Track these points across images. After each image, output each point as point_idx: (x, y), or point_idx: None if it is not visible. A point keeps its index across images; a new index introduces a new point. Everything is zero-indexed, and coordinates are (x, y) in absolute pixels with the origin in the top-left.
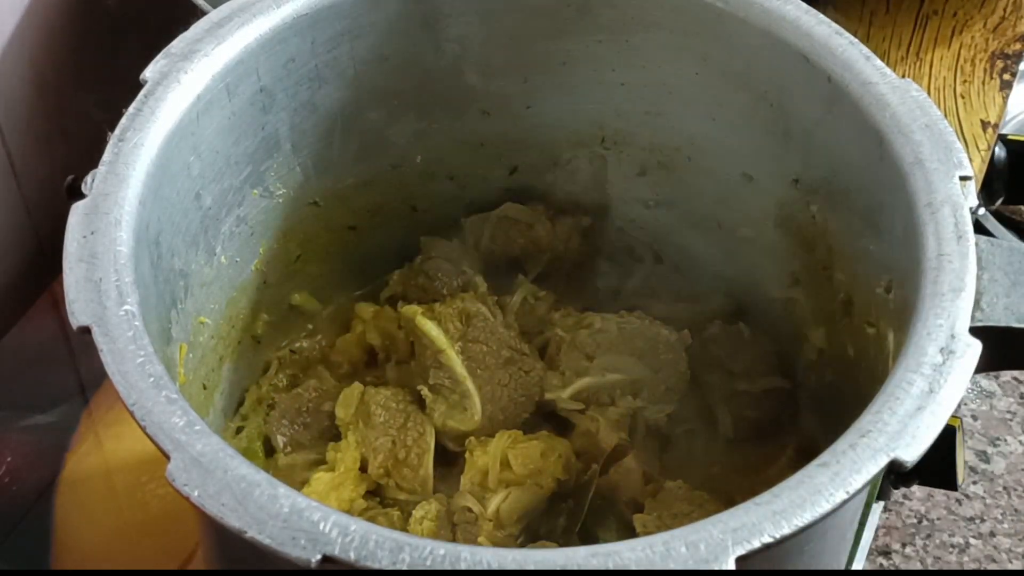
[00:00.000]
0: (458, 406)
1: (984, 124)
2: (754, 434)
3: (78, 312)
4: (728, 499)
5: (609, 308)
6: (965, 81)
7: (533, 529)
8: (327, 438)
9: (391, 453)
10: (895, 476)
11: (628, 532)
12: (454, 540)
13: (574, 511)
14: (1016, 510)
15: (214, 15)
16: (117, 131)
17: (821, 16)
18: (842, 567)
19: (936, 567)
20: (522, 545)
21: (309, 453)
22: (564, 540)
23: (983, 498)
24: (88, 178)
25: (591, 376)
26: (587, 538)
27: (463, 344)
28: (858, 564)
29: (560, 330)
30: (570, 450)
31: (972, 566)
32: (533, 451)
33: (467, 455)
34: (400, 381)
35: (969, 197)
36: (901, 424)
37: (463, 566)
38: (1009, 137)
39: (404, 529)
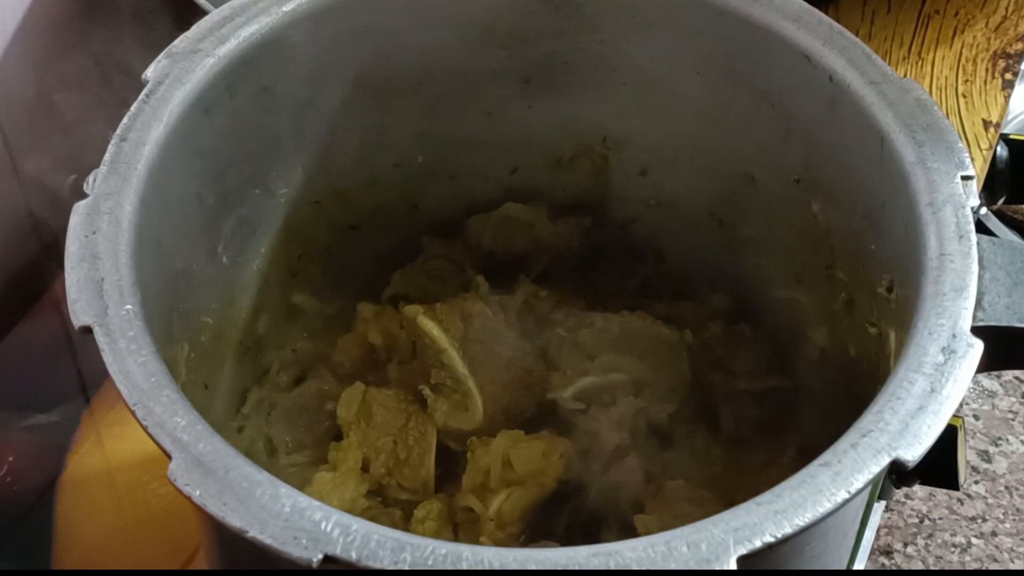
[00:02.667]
0: (460, 406)
1: (986, 123)
2: (755, 434)
3: (80, 312)
4: (729, 499)
5: (611, 308)
6: (967, 80)
7: (535, 529)
8: (329, 438)
9: (393, 453)
10: (897, 476)
11: (630, 532)
12: (456, 540)
13: (575, 511)
14: (1018, 509)
15: (216, 14)
16: (119, 131)
17: (822, 15)
18: (843, 566)
19: (938, 567)
20: (524, 545)
21: (311, 453)
22: (566, 540)
23: (985, 498)
24: (90, 178)
25: (593, 376)
26: (589, 538)
27: (464, 344)
28: (860, 563)
29: (562, 330)
30: (572, 450)
31: (974, 566)
32: (535, 451)
33: (469, 455)
34: (402, 381)
35: (971, 197)
36: (903, 424)
37: (465, 566)
38: (1011, 136)
39: (406, 529)
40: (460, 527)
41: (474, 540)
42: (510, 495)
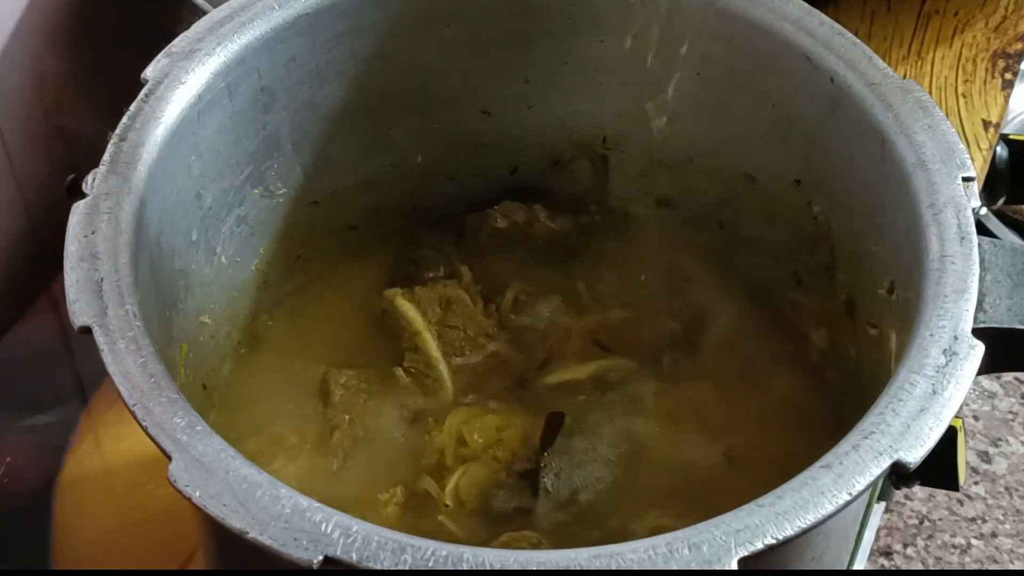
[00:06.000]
0: (431, 390)
1: (986, 124)
2: None
3: (79, 312)
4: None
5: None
6: (967, 81)
7: (496, 506)
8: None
9: (349, 433)
10: (897, 477)
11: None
12: (417, 523)
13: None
14: (1018, 511)
15: (215, 14)
16: (118, 130)
17: (823, 16)
18: (844, 567)
19: (937, 567)
20: (486, 523)
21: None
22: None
23: (985, 499)
24: (89, 177)
25: (578, 364)
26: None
27: (440, 329)
28: (859, 564)
29: (546, 311)
30: (530, 423)
31: (974, 567)
32: (488, 424)
33: (426, 436)
34: (376, 364)
35: (972, 198)
36: (904, 426)
37: (465, 566)
38: (1011, 137)
39: (368, 515)
40: (422, 509)
41: (435, 521)
42: (466, 471)
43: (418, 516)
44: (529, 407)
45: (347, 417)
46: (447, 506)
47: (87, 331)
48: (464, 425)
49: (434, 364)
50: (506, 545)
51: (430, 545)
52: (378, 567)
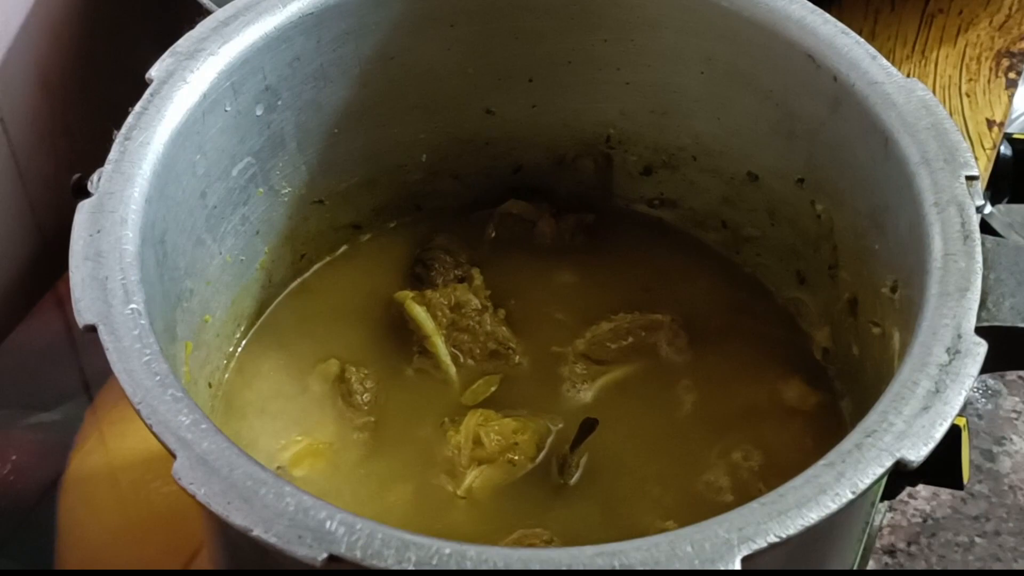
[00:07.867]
0: (440, 392)
1: (990, 123)
2: None
3: (84, 311)
4: None
5: (611, 307)
6: (970, 80)
7: (510, 507)
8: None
9: (373, 431)
10: (900, 475)
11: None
12: (429, 521)
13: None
14: (1021, 509)
15: (220, 14)
16: (123, 130)
17: (827, 15)
18: (848, 566)
19: (941, 566)
20: (501, 524)
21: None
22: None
23: (988, 497)
24: (94, 176)
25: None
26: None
27: (449, 333)
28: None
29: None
30: (546, 428)
31: (977, 565)
32: (505, 428)
33: (442, 434)
34: (384, 363)
35: (975, 197)
36: (907, 424)
37: (469, 565)
38: (1015, 136)
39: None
40: (435, 508)
41: (447, 520)
42: (481, 473)
43: (431, 514)
44: (541, 413)
45: (372, 419)
46: (462, 498)
47: (92, 330)
48: (481, 427)
49: (444, 368)
50: (518, 542)
51: (434, 543)
52: (382, 565)
